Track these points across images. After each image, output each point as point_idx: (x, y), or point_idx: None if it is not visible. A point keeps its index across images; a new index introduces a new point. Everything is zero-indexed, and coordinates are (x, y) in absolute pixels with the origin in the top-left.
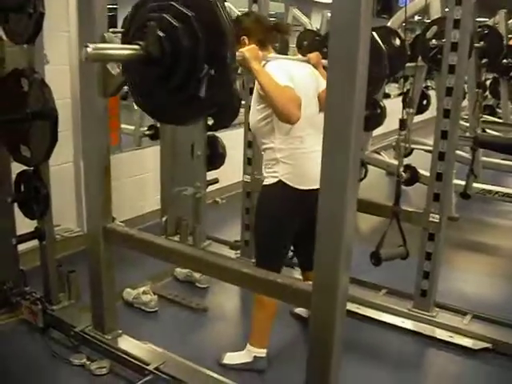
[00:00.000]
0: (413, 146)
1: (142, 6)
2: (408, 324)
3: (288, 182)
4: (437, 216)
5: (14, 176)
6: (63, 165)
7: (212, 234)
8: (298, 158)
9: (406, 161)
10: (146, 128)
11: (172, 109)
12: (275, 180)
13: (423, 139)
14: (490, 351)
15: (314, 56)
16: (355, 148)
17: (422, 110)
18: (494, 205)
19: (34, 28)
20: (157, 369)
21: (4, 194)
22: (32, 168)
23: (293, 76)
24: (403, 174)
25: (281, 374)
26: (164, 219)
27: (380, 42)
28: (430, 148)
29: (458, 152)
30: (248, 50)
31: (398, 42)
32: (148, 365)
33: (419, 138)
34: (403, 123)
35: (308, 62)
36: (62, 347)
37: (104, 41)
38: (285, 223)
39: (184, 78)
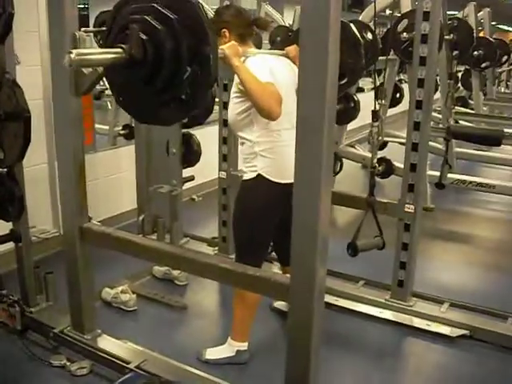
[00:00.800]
0: (387, 138)
1: (123, 7)
2: (386, 314)
3: (267, 176)
4: (412, 206)
5: None
6: (37, 166)
7: (189, 231)
8: (277, 152)
9: (380, 153)
10: (120, 128)
11: (155, 110)
12: (254, 174)
13: (397, 132)
14: (468, 338)
15: (291, 49)
16: (328, 140)
17: (395, 103)
18: (467, 194)
19: (3, 28)
20: (137, 367)
21: None
22: (5, 169)
23: (273, 71)
24: (377, 165)
25: (262, 367)
26: (141, 218)
27: (356, 32)
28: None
29: (431, 143)
30: (228, 48)
31: (369, 35)
32: (128, 363)
33: (393, 130)
34: (375, 114)
35: (286, 56)
36: (41, 349)
37: (75, 40)
38: (266, 218)
39: (167, 80)
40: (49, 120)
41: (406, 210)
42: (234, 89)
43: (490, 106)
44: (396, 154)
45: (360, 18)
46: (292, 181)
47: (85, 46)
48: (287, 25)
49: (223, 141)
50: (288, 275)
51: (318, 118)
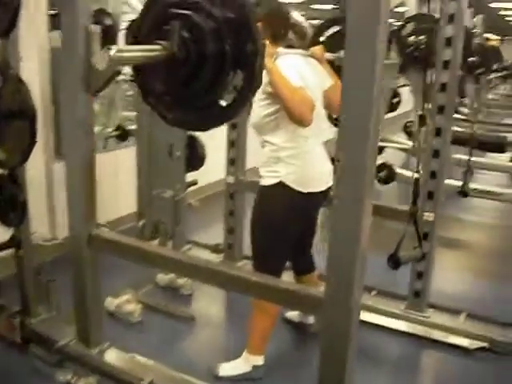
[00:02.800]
0: (383, 143)
1: (158, 2)
2: (402, 325)
3: (290, 184)
4: (431, 215)
5: None
6: (33, 169)
7: (190, 237)
8: (302, 159)
9: (379, 158)
10: (111, 129)
11: (191, 113)
12: (276, 181)
13: (392, 136)
14: (486, 350)
15: (317, 51)
16: (373, 143)
17: (392, 108)
18: (464, 201)
19: (10, 20)
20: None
21: None
22: (7, 172)
23: (303, 75)
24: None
25: (278, 382)
26: (141, 223)
27: None
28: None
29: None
30: None
31: None
32: (141, 380)
33: (388, 134)
34: (423, 119)
35: (312, 56)
36: (44, 363)
37: (88, 33)
38: (287, 228)
39: (208, 83)
40: (46, 120)
41: (425, 218)
42: (260, 90)
43: (483, 112)
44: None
45: None
46: (314, 190)
47: (97, 41)
48: None
49: (231, 144)
50: (320, 289)
51: (364, 118)
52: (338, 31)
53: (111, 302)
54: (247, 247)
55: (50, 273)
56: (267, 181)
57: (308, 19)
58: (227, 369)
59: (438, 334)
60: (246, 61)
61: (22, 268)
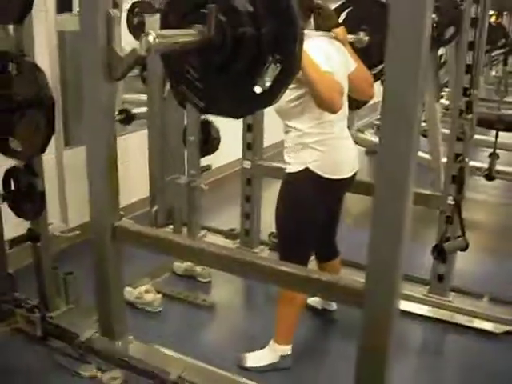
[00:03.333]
0: None
1: None
2: (425, 310)
3: (317, 171)
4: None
5: None
6: (44, 157)
7: (204, 222)
8: (328, 145)
9: None
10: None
11: (224, 100)
12: (302, 167)
13: None
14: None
15: (340, 32)
16: (417, 125)
17: None
18: (479, 182)
19: (23, 6)
20: (179, 377)
21: None
22: (23, 163)
23: (330, 58)
24: None
25: (306, 371)
26: (154, 209)
27: None
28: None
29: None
30: None
31: None
32: (169, 374)
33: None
34: (470, 105)
35: (335, 38)
36: (67, 358)
37: (109, 19)
38: (314, 215)
39: (244, 70)
40: (57, 107)
41: (450, 202)
42: None
43: (488, 90)
44: None
45: None
46: (341, 176)
47: (118, 27)
48: None
49: (248, 128)
50: (360, 280)
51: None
52: (350, 11)
53: (130, 293)
54: (264, 232)
55: (65, 264)
56: (293, 167)
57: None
58: (254, 359)
59: (462, 319)
60: (284, 46)
61: (40, 261)
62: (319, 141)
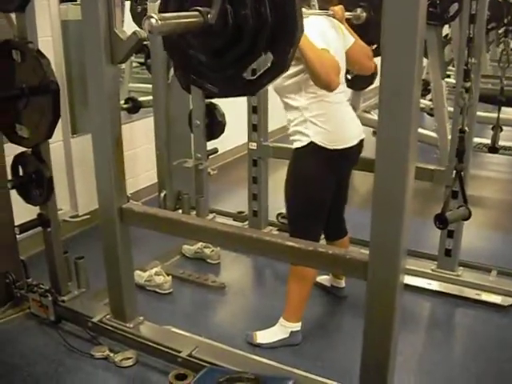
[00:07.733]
0: None
1: None
2: (434, 285)
3: (321, 143)
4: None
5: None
6: (51, 144)
7: (212, 206)
8: (329, 117)
9: None
10: (122, 102)
11: (217, 83)
12: (306, 142)
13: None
14: None
15: (338, 10)
16: (416, 103)
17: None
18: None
19: None
20: (190, 355)
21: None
22: (30, 149)
23: (327, 36)
24: None
25: (315, 348)
26: (163, 194)
27: None
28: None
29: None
30: None
31: None
32: (180, 352)
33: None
34: (467, 73)
35: (333, 16)
36: (79, 340)
37: (110, 2)
38: (322, 188)
39: (238, 57)
40: (62, 95)
41: (454, 176)
42: None
43: (494, 67)
44: None
45: None
46: (347, 145)
47: (119, 10)
48: None
49: (253, 110)
50: (365, 252)
51: (406, 76)
52: None
53: (140, 276)
54: (272, 214)
55: (75, 249)
56: (298, 143)
57: None
58: (265, 336)
59: (470, 292)
60: (280, 45)
61: (51, 246)
62: (319, 114)
